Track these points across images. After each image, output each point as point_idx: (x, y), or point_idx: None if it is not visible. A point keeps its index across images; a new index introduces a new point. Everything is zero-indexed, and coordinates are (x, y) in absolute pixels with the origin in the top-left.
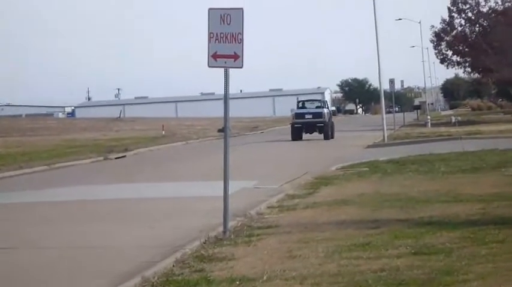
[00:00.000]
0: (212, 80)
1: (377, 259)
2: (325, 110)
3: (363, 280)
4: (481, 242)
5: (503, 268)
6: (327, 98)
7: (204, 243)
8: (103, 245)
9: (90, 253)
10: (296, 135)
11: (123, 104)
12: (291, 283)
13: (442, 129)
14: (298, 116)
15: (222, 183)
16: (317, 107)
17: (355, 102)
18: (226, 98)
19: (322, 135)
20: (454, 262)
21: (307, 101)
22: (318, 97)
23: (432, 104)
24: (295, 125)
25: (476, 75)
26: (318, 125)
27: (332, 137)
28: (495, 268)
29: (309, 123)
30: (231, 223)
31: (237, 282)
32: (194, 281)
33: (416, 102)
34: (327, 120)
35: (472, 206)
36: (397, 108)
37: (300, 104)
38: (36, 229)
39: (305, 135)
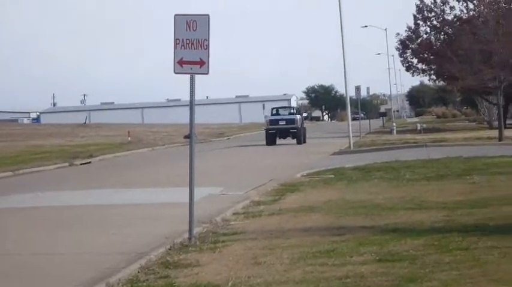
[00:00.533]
0: (178, 86)
1: (342, 265)
2: (298, 117)
3: None
4: (445, 249)
5: (467, 276)
6: (293, 104)
7: (170, 249)
8: (67, 251)
9: (53, 259)
10: (270, 140)
11: (89, 110)
12: None
13: (408, 136)
14: (272, 122)
15: (187, 189)
16: (290, 114)
17: (321, 109)
18: (192, 104)
19: (295, 140)
20: (418, 269)
21: (280, 107)
22: (285, 104)
23: (398, 111)
24: (270, 131)
25: (441, 82)
26: (291, 130)
27: (304, 142)
28: (459, 276)
29: (282, 129)
30: (197, 230)
31: None
32: None
33: (382, 109)
34: (300, 126)
35: (437, 214)
36: (362, 115)
37: (274, 111)
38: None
39: (278, 141)
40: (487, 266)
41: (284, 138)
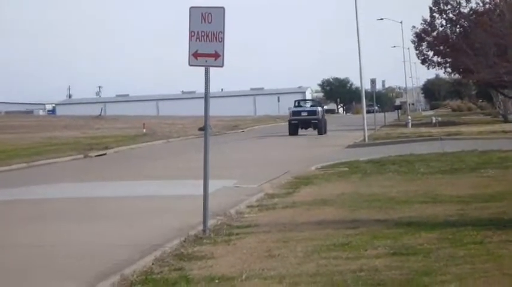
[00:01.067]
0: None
1: (356, 259)
2: (319, 108)
3: (341, 280)
4: (459, 243)
5: (481, 270)
6: (308, 97)
7: (184, 242)
8: (82, 243)
9: (68, 251)
10: (293, 130)
11: (104, 102)
12: (269, 282)
13: (423, 129)
14: (294, 113)
15: (202, 182)
16: (311, 106)
17: (336, 102)
18: (206, 96)
19: (316, 131)
20: (432, 263)
21: (302, 100)
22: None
23: (413, 104)
24: (292, 122)
25: (457, 76)
26: (312, 121)
27: (325, 132)
28: (473, 269)
29: (304, 120)
30: (211, 222)
31: (216, 281)
32: (173, 279)
33: (397, 102)
34: (321, 117)
35: (451, 207)
36: (376, 107)
37: (296, 103)
38: (17, 226)
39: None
40: (501, 260)
41: (306, 129)
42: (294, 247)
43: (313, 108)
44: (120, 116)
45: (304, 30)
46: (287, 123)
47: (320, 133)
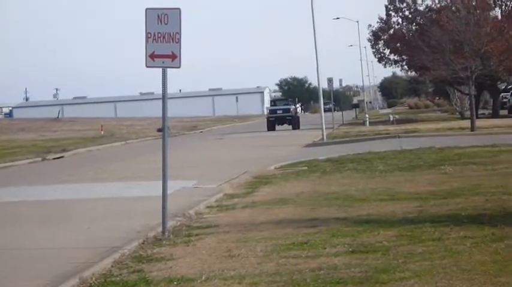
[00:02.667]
0: (151, 79)
1: (315, 257)
2: (292, 107)
3: (301, 279)
4: (417, 240)
5: (439, 266)
6: (266, 97)
7: (143, 243)
8: (40, 246)
9: (27, 254)
10: (271, 126)
11: (62, 105)
12: (229, 283)
13: (380, 127)
14: (271, 111)
15: (160, 183)
16: (285, 105)
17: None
18: (164, 97)
19: (291, 126)
20: (390, 260)
21: (278, 99)
22: (257, 96)
23: (370, 102)
24: (270, 119)
25: (414, 73)
26: (287, 118)
27: (298, 128)
28: (431, 266)
29: (280, 117)
30: (170, 223)
31: (176, 282)
32: (132, 282)
33: (355, 100)
34: (294, 114)
35: (409, 204)
36: (331, 105)
37: (273, 103)
38: None
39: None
40: (459, 256)
41: (282, 125)
42: (253, 247)
43: (287, 106)
44: (77, 118)
45: (262, 31)
46: (246, 123)
47: (294, 128)
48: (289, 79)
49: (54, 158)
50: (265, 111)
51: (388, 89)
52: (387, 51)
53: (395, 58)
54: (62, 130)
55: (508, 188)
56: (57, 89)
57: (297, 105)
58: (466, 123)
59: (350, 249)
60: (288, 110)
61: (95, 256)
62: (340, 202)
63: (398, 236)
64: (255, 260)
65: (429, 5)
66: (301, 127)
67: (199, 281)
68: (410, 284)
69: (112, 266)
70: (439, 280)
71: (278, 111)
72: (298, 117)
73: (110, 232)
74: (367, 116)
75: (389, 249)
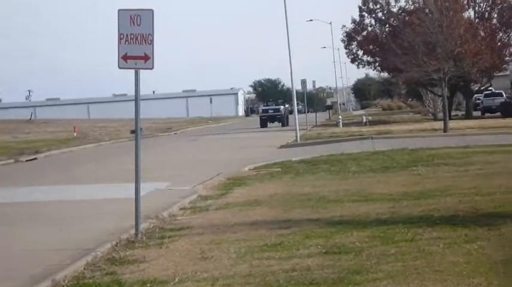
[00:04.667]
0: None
1: (288, 259)
2: (282, 107)
3: (274, 280)
4: (390, 241)
5: (412, 267)
6: (240, 98)
7: (116, 246)
8: (12, 248)
9: None
10: (263, 124)
11: (35, 106)
12: (202, 285)
13: (354, 129)
14: (264, 111)
15: (133, 184)
16: (276, 105)
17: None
18: (137, 99)
19: (280, 124)
20: (363, 261)
21: (270, 101)
22: (232, 98)
23: (344, 104)
24: (262, 117)
25: (387, 75)
26: (277, 116)
27: (287, 125)
28: (404, 267)
29: (271, 115)
30: (143, 225)
31: (149, 284)
32: (105, 284)
33: (328, 102)
34: (283, 113)
35: (382, 205)
36: (300, 107)
37: (265, 103)
38: None
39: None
40: (431, 257)
41: (272, 123)
42: (227, 249)
43: (277, 106)
44: (50, 120)
45: (236, 32)
46: (220, 124)
47: (283, 125)
48: (263, 81)
49: (27, 160)
50: (259, 111)
51: (361, 91)
52: (360, 53)
53: (369, 59)
54: (35, 132)
55: (481, 189)
56: (29, 91)
57: (287, 106)
58: (439, 124)
59: (323, 250)
60: (278, 110)
61: (68, 258)
62: (314, 203)
63: (371, 237)
64: (229, 262)
65: (402, 6)
66: (274, 129)
67: (172, 283)
68: (383, 285)
69: (85, 269)
70: (412, 281)
71: (269, 111)
72: (287, 116)
73: (82, 234)
74: (340, 117)
75: (362, 250)
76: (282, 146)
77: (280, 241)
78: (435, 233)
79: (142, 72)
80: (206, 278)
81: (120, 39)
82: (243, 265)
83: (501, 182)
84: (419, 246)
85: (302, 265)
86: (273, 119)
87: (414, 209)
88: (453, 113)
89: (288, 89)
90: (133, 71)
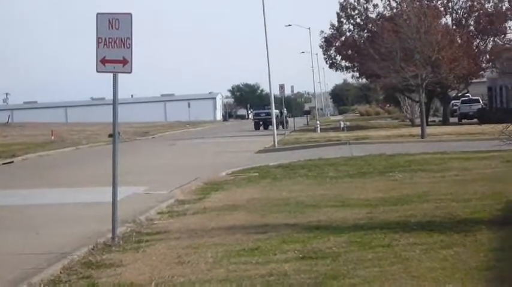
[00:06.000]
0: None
1: (265, 263)
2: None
3: (251, 285)
4: (367, 246)
5: (388, 272)
6: (219, 103)
7: (92, 249)
8: None
9: None
10: (256, 126)
11: (12, 109)
12: None
13: (331, 134)
14: (256, 114)
15: (111, 189)
16: (268, 109)
17: (246, 108)
18: (115, 103)
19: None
20: (340, 266)
21: (265, 105)
22: (210, 102)
23: (322, 109)
24: (255, 120)
25: (365, 80)
26: (268, 120)
27: (283, 128)
28: (381, 272)
29: (263, 119)
30: (120, 229)
31: None
32: None
33: (307, 107)
34: (278, 117)
35: (359, 211)
36: (281, 112)
37: (260, 108)
38: None
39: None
40: (408, 262)
41: (266, 126)
42: (204, 253)
43: (269, 110)
44: (28, 123)
45: (214, 36)
46: (198, 129)
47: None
48: (241, 85)
49: (3, 163)
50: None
51: (339, 96)
52: (339, 58)
53: (347, 64)
54: (12, 135)
55: (457, 195)
56: (7, 94)
57: (283, 110)
58: (417, 130)
59: (300, 255)
60: (269, 114)
61: (44, 261)
62: (291, 208)
63: (348, 243)
64: (205, 267)
65: (380, 12)
66: (252, 134)
67: None
68: None
69: (61, 272)
70: (388, 286)
71: (262, 115)
72: (286, 119)
73: (59, 237)
74: (318, 122)
75: (339, 255)
76: (259, 151)
77: (257, 246)
78: (412, 238)
79: (120, 76)
80: (183, 283)
81: (98, 42)
82: (219, 269)
83: (477, 188)
84: (396, 251)
85: (279, 270)
86: (264, 122)
87: (391, 215)
88: (430, 119)
89: (266, 94)
90: (111, 74)
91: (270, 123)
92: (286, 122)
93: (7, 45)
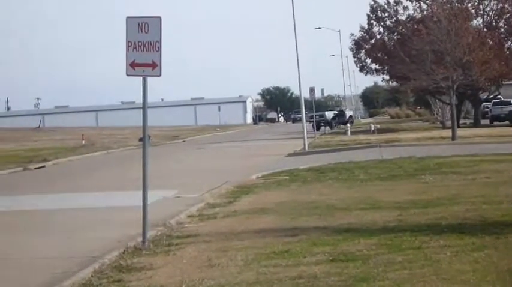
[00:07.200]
0: (133, 88)
1: (295, 266)
2: (327, 113)
3: None
4: (397, 249)
5: (418, 275)
6: (249, 106)
7: (123, 253)
8: (19, 256)
9: (6, 264)
10: (317, 128)
11: (43, 114)
12: None
13: (362, 137)
14: (311, 117)
15: (141, 192)
16: (322, 113)
17: (276, 111)
18: (144, 106)
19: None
20: (370, 269)
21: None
22: (240, 106)
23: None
24: (311, 121)
25: (395, 83)
26: (322, 121)
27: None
28: (411, 275)
29: (317, 121)
30: (151, 233)
31: None
32: None
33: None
34: (329, 119)
35: (389, 213)
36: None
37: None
38: None
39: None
40: (438, 265)
41: (318, 128)
42: (234, 256)
43: (322, 113)
44: (58, 128)
45: (245, 40)
46: (229, 132)
47: (331, 128)
48: (271, 88)
49: (35, 168)
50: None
51: (370, 99)
52: (369, 61)
53: (377, 67)
54: (43, 140)
55: (488, 197)
56: (38, 99)
57: (347, 111)
58: (447, 132)
59: (330, 258)
60: (323, 116)
61: (75, 265)
62: (321, 211)
63: (378, 245)
64: (235, 270)
65: (411, 14)
66: (282, 137)
67: None
68: None
69: (92, 276)
70: None
71: (316, 117)
72: (329, 121)
73: (90, 241)
74: (348, 125)
75: (369, 258)
76: (289, 154)
77: (287, 249)
78: (442, 241)
79: (150, 80)
80: (213, 286)
81: (128, 46)
82: (249, 272)
83: (509, 191)
84: (426, 254)
85: (309, 273)
86: (318, 124)
87: (421, 217)
88: (461, 121)
89: (297, 97)
90: (141, 78)
91: (324, 124)
92: (351, 122)
93: (38, 49)
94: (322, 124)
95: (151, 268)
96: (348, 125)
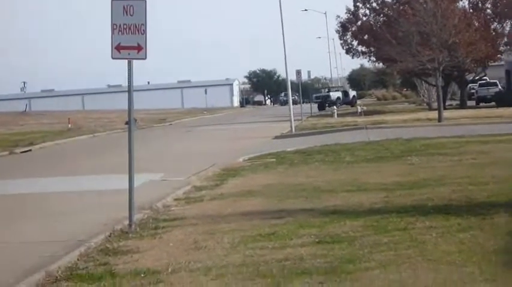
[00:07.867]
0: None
1: (282, 248)
2: (332, 94)
3: (267, 270)
4: (383, 230)
5: (404, 256)
6: (236, 89)
7: (109, 236)
8: (5, 240)
9: None
10: (321, 108)
11: (29, 98)
12: (195, 275)
13: (348, 119)
14: (316, 97)
15: (127, 176)
16: (325, 93)
17: (263, 94)
18: (130, 89)
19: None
20: (356, 250)
21: (331, 87)
22: (226, 89)
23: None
24: (318, 103)
25: (381, 65)
26: (327, 101)
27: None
28: (397, 256)
29: (320, 102)
30: (137, 216)
31: (142, 275)
32: (98, 274)
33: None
34: (334, 99)
35: (376, 195)
36: (295, 97)
37: (326, 90)
38: None
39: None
40: (424, 246)
41: (322, 107)
42: (220, 239)
43: (326, 94)
44: (45, 112)
45: (231, 22)
46: (216, 115)
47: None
48: (258, 71)
49: (21, 152)
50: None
51: (356, 81)
52: (355, 43)
53: (363, 49)
54: (29, 124)
55: (474, 179)
56: (24, 83)
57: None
58: (434, 114)
59: (316, 240)
60: (328, 96)
61: (61, 249)
62: (308, 193)
63: (364, 227)
64: (222, 252)
65: None
66: (269, 120)
67: (165, 273)
68: (375, 274)
69: (78, 260)
70: (404, 270)
71: (320, 97)
72: (334, 101)
73: (76, 225)
74: (335, 107)
75: (355, 239)
76: (276, 137)
77: (273, 231)
78: (428, 222)
79: (136, 63)
80: (199, 268)
81: (113, 29)
82: (236, 254)
83: (495, 171)
84: (412, 235)
85: (295, 255)
86: (323, 103)
87: (407, 199)
88: (448, 102)
89: (283, 79)
90: (126, 61)
91: (329, 104)
92: (355, 102)
93: (24, 34)
94: (327, 104)
95: (137, 251)
96: (358, 107)
